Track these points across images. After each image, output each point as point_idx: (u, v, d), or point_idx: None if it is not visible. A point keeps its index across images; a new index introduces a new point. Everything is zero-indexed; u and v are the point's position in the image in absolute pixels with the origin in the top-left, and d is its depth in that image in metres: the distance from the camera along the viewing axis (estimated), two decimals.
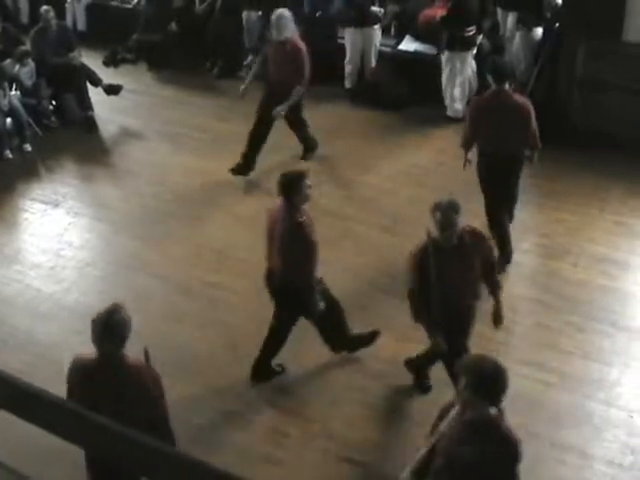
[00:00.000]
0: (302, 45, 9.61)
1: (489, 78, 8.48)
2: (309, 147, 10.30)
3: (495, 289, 6.27)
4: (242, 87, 10.14)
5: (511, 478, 4.53)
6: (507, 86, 7.96)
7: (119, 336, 5.11)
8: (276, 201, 6.55)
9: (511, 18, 11.39)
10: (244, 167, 9.91)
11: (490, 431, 4.49)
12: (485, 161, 8.12)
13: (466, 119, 8.46)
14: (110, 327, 5.10)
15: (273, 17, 9.57)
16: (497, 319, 6.36)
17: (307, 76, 9.62)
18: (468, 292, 6.15)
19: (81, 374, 5.22)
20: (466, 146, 8.29)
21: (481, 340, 7.28)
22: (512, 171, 8.16)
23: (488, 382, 4.44)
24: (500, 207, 8.25)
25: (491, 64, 8.85)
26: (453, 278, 5.99)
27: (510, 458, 4.49)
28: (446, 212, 5.85)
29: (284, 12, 9.60)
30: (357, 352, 7.16)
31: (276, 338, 6.96)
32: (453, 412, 4.60)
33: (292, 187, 6.40)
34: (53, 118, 11.52)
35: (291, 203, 6.41)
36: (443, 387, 6.78)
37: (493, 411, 4.50)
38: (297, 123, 10.07)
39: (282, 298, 6.74)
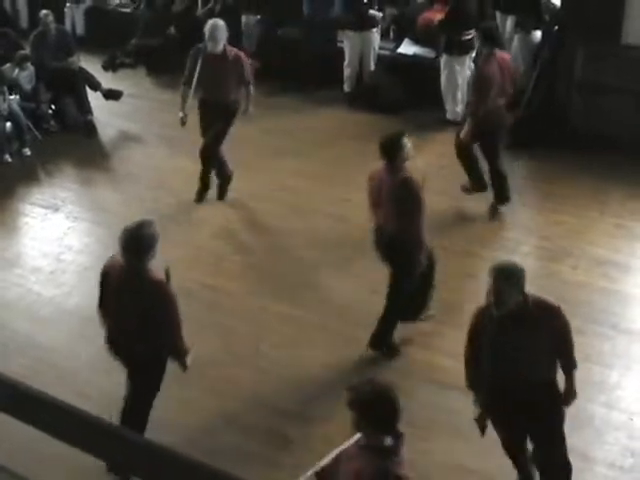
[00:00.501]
0: (238, 50, 9.39)
1: (479, 44, 8.90)
2: (227, 179, 9.67)
3: (568, 368, 5.42)
4: (181, 115, 9.25)
5: None
6: (497, 49, 8.62)
7: (144, 249, 5.44)
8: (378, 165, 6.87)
9: (510, 21, 11.41)
10: (204, 189, 9.64)
11: (379, 462, 4.16)
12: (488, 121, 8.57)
13: (475, 88, 8.80)
14: (137, 239, 5.42)
15: (208, 28, 9.07)
16: (566, 400, 5.49)
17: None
18: (533, 370, 5.29)
19: (111, 277, 5.66)
20: (477, 115, 8.64)
21: None
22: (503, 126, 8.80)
23: (372, 410, 4.18)
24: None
25: (480, 30, 9.06)
26: (512, 350, 5.19)
27: None
28: (496, 279, 5.13)
29: (218, 22, 9.20)
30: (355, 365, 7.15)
31: (395, 303, 7.04)
32: (355, 437, 4.27)
33: (393, 148, 6.67)
34: (52, 122, 11.54)
35: (393, 164, 6.70)
36: (446, 391, 6.79)
37: (387, 440, 4.19)
38: (215, 153, 9.43)
39: (391, 256, 6.93)
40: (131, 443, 3.62)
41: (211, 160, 9.45)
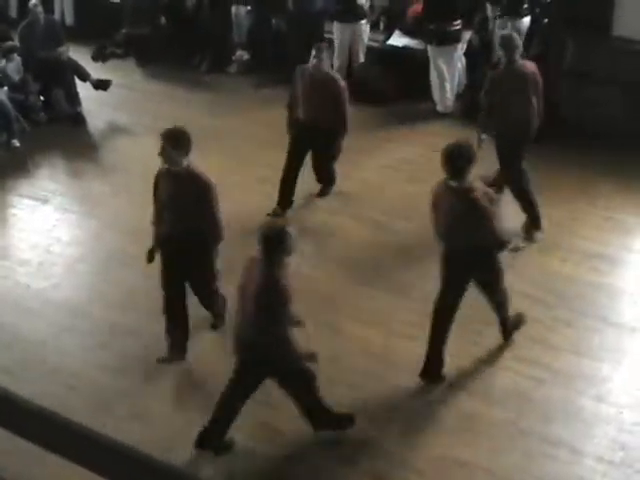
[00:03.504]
0: None
1: (500, 53, 8.71)
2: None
3: None
4: None
5: None
6: (518, 57, 8.28)
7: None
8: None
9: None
10: None
11: None
12: (503, 138, 8.43)
13: (483, 94, 8.58)
14: None
15: None
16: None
17: None
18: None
19: None
20: (483, 124, 8.56)
21: (473, 335, 7.31)
22: (526, 141, 8.48)
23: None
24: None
25: (500, 38, 8.82)
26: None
27: None
28: None
29: None
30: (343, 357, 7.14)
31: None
32: None
33: (275, 240, 6.05)
34: (41, 113, 11.45)
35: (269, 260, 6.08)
36: (443, 389, 6.81)
37: None
38: None
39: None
40: (99, 444, 3.56)
41: None
